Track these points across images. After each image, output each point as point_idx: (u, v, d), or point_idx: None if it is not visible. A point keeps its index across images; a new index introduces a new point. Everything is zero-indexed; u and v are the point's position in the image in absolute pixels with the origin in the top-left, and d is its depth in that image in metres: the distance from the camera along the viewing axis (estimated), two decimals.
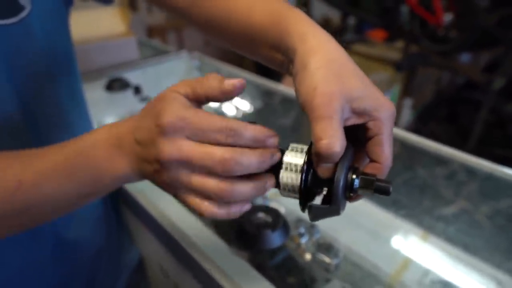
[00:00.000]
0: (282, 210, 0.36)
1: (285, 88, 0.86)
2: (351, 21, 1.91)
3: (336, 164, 0.18)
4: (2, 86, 0.28)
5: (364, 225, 0.52)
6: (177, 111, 0.18)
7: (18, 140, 0.31)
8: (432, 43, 1.42)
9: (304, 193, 0.20)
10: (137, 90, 0.86)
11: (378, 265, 0.45)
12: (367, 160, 0.22)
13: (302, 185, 0.19)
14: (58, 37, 0.34)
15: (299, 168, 0.19)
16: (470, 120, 1.47)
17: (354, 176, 0.19)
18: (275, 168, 0.20)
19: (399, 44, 1.76)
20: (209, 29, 0.32)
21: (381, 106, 0.20)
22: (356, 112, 0.20)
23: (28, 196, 0.21)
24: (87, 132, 0.23)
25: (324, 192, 0.21)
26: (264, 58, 0.27)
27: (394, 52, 1.72)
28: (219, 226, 0.41)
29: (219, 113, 0.97)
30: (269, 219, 0.34)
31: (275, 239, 0.32)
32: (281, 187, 0.20)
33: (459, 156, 0.55)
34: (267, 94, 0.93)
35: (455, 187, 0.57)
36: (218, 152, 0.18)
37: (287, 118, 0.90)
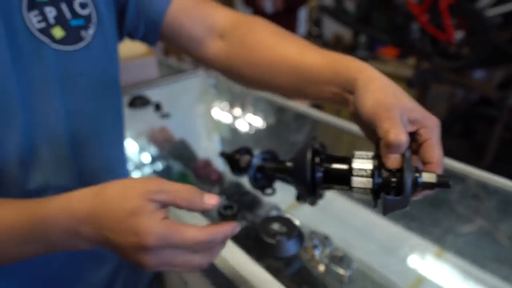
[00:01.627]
0: (296, 222, 0.38)
1: (296, 104, 0.89)
2: (363, 38, 1.96)
3: (403, 158, 0.22)
4: (56, 111, 0.32)
5: (377, 239, 0.53)
6: (157, 230, 0.20)
7: (64, 160, 0.34)
8: (443, 60, 1.44)
9: (376, 193, 0.23)
10: (157, 107, 0.91)
11: (391, 280, 0.45)
12: (420, 165, 0.25)
13: (374, 187, 0.23)
14: (110, 65, 0.38)
15: (369, 172, 0.23)
16: (485, 137, 1.45)
17: (417, 174, 0.22)
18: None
19: (411, 61, 1.78)
20: (260, 80, 0.36)
21: (429, 117, 0.25)
22: (411, 121, 0.24)
23: None
24: (44, 202, 0.24)
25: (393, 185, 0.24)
26: (316, 94, 0.32)
27: (406, 69, 1.74)
28: (237, 236, 0.43)
29: (232, 129, 1.01)
30: (284, 228, 0.36)
31: (290, 247, 0.34)
32: (354, 190, 0.24)
33: (474, 173, 0.55)
34: (279, 110, 0.97)
35: (470, 203, 0.57)
36: (196, 260, 0.22)
37: (299, 134, 0.93)
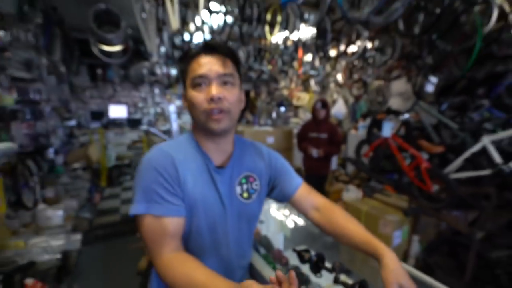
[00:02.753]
0: None
1: None
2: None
3: None
4: (233, 227, 0.79)
5: None
6: None
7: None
8: (427, 202, 2.12)
9: None
10: None
11: None
12: None
13: None
14: (258, 210, 0.85)
15: None
16: (466, 258, 1.97)
17: None
18: None
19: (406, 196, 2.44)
20: (333, 236, 0.81)
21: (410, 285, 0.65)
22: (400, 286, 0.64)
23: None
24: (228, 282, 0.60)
25: None
26: (355, 247, 0.76)
27: (403, 201, 2.39)
28: None
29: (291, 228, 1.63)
30: None
31: None
32: None
33: None
34: None
35: None
36: None
37: None
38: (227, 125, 0.73)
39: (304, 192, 0.88)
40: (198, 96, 0.71)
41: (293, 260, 1.04)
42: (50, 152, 3.13)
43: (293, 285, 0.57)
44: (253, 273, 1.02)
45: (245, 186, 0.81)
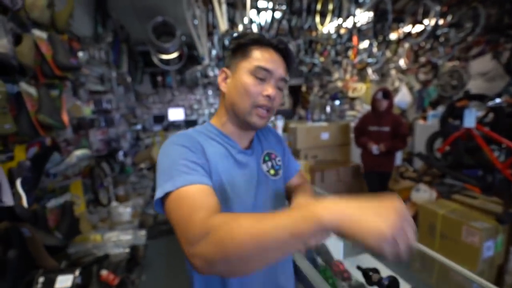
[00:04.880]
0: None
1: None
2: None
3: None
4: (262, 200, 0.75)
5: None
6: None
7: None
8: None
9: None
10: None
11: None
12: None
13: None
14: (283, 185, 0.85)
15: None
16: None
17: None
18: None
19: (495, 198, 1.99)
20: None
21: None
22: None
23: (266, 238, 0.41)
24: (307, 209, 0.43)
25: None
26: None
27: (494, 204, 1.95)
28: None
29: None
30: None
31: None
32: None
33: None
34: None
35: None
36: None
37: None
38: (266, 123, 0.74)
39: (296, 178, 0.90)
40: (256, 87, 0.69)
41: (355, 273, 0.90)
42: (120, 155, 3.49)
43: None
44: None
45: (269, 163, 0.81)
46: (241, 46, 0.71)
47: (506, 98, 2.02)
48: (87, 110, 2.63)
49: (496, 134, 1.87)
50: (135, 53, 5.49)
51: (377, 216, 0.38)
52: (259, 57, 0.69)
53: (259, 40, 0.70)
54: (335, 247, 1.33)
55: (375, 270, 0.77)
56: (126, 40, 4.54)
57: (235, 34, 3.51)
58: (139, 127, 5.13)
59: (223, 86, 0.74)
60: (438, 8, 2.39)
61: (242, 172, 0.73)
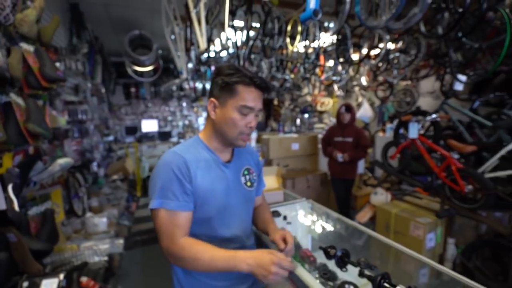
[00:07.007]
0: None
1: (355, 222, 1.54)
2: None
3: None
4: (240, 210, 0.97)
5: None
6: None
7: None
8: (461, 203, 2.04)
9: None
10: (285, 217, 1.67)
11: None
12: None
13: None
14: (254, 194, 1.06)
15: None
16: (509, 262, 1.86)
17: None
18: None
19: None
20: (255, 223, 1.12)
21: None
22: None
23: (203, 263, 0.76)
24: (234, 254, 0.77)
25: None
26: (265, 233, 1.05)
27: (435, 203, 2.32)
28: None
29: (318, 231, 1.68)
30: None
31: None
32: None
33: None
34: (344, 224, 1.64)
35: None
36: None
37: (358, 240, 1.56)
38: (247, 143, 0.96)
39: (260, 201, 1.17)
40: (241, 121, 0.87)
41: (321, 258, 1.10)
42: (94, 166, 3.45)
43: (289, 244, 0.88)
44: None
45: (247, 177, 1.01)
46: (229, 84, 0.84)
47: (441, 114, 2.42)
48: (62, 121, 2.63)
49: (434, 144, 2.24)
50: (108, 64, 5.44)
51: (262, 268, 0.73)
52: (245, 96, 0.84)
53: (244, 81, 0.83)
54: (305, 239, 1.53)
55: (333, 247, 0.97)
56: (100, 51, 4.53)
57: (214, 55, 3.70)
58: (111, 138, 5.04)
59: (212, 115, 0.90)
60: (388, 36, 2.80)
61: (220, 180, 0.91)
